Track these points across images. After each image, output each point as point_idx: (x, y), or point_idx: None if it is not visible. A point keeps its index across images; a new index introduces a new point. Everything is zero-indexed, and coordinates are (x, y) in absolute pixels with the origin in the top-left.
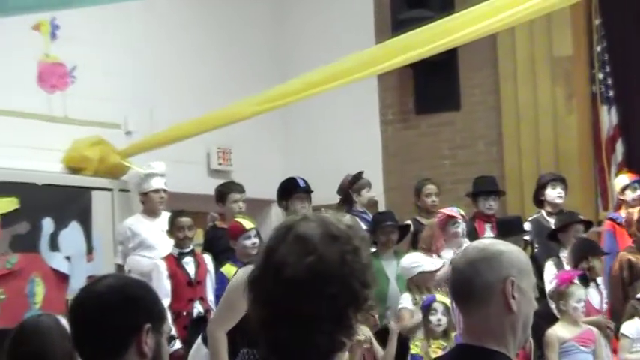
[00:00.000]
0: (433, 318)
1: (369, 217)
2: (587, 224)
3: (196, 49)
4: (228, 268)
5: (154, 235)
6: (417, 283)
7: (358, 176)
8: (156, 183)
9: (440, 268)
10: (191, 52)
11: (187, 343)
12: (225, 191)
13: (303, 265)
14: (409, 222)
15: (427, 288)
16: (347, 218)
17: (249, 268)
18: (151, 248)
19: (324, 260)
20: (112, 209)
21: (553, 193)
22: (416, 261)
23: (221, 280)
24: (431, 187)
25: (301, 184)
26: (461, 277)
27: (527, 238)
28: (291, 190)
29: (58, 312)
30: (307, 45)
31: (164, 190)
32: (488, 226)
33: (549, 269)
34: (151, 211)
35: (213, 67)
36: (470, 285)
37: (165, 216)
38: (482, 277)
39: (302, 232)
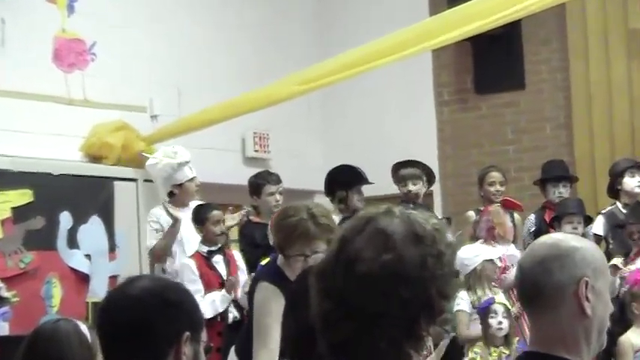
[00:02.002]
0: (493, 321)
1: None
2: None
3: (229, 25)
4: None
5: (186, 230)
6: (480, 276)
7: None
8: (188, 171)
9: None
10: (224, 28)
11: (222, 352)
12: (259, 183)
13: (378, 263)
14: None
15: (489, 284)
16: (436, 220)
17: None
18: (180, 243)
19: (402, 260)
20: (137, 202)
21: (632, 182)
22: (474, 251)
23: None
24: (495, 175)
25: (363, 174)
26: (528, 278)
27: (599, 233)
28: (352, 181)
29: (77, 317)
30: (351, 18)
31: (196, 178)
32: None
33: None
34: (181, 203)
35: (248, 44)
36: (539, 286)
37: (193, 205)
38: (552, 277)
39: (383, 226)
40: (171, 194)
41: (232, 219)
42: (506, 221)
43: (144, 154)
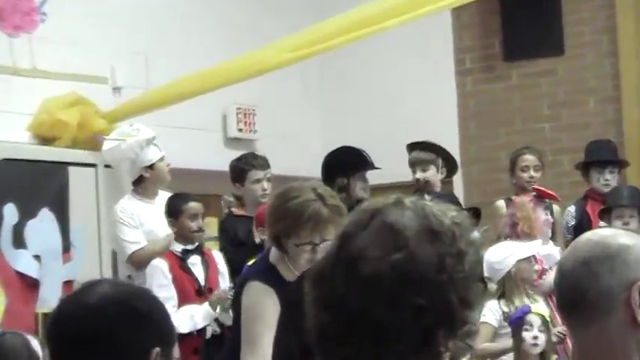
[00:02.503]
0: (527, 335)
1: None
2: None
3: None
4: None
5: (157, 224)
6: (516, 280)
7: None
8: (157, 150)
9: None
10: None
11: None
12: (242, 168)
13: (387, 263)
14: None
15: (527, 288)
16: (455, 212)
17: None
18: (150, 240)
19: (416, 260)
20: (96, 192)
21: None
22: (506, 251)
23: None
24: (529, 158)
25: (369, 158)
26: (571, 282)
27: None
28: (355, 166)
29: (25, 330)
30: None
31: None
32: None
33: None
34: (152, 190)
35: (231, 2)
36: (583, 292)
37: (162, 197)
38: (600, 281)
39: (392, 220)
40: (138, 180)
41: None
42: (534, 215)
43: (101, 136)
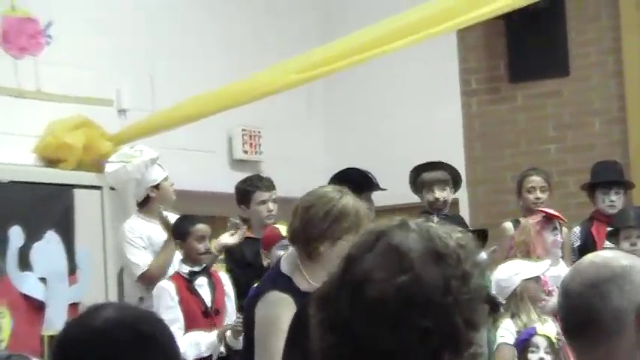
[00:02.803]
0: (533, 357)
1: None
2: None
3: (214, 0)
4: None
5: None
6: (523, 298)
7: (429, 166)
8: (162, 170)
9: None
10: (207, 4)
11: None
12: (248, 189)
13: (392, 286)
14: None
15: (536, 307)
16: (460, 234)
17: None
18: None
19: (421, 283)
20: (102, 214)
21: None
22: (512, 269)
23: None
24: (535, 179)
25: (373, 179)
26: (579, 304)
27: None
28: (360, 187)
29: (30, 352)
30: None
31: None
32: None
33: None
34: (155, 211)
35: (236, 24)
36: (593, 313)
37: (169, 218)
38: (611, 302)
39: (397, 242)
40: (144, 201)
41: (231, 237)
42: (535, 238)
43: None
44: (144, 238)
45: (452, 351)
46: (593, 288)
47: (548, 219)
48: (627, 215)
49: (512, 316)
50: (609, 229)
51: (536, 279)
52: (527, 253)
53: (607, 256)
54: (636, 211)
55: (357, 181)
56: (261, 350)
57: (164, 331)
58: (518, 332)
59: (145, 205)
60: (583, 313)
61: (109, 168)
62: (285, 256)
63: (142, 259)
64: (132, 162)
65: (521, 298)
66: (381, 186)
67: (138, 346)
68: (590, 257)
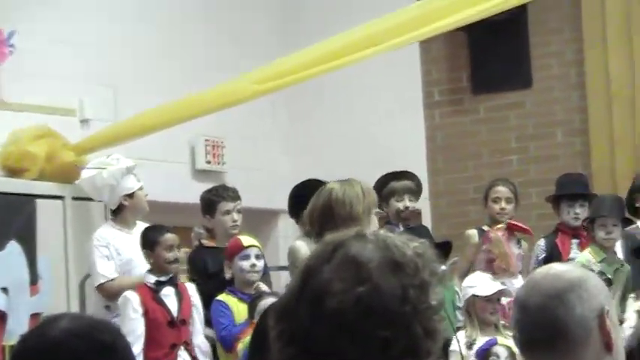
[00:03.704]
0: None
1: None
2: None
3: (175, 11)
4: (226, 297)
5: (135, 254)
6: (470, 313)
7: (396, 176)
8: (137, 179)
9: (494, 294)
10: (169, 15)
11: None
12: (213, 199)
13: (351, 296)
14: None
15: (482, 324)
16: (417, 243)
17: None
18: (134, 272)
19: (379, 293)
20: (64, 224)
21: None
22: (470, 281)
23: (218, 313)
24: (501, 190)
25: None
26: (541, 317)
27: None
28: None
29: None
30: (324, 3)
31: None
32: (575, 243)
33: (632, 306)
34: (131, 220)
35: (198, 34)
36: (558, 325)
37: (140, 227)
38: (574, 312)
39: (355, 253)
40: (117, 210)
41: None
42: (510, 251)
43: (81, 166)
44: (110, 247)
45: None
46: (554, 299)
47: (512, 232)
48: (602, 204)
49: (467, 327)
50: (588, 216)
51: (488, 298)
52: (509, 266)
53: (560, 268)
54: (611, 199)
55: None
56: None
57: (121, 341)
58: (467, 344)
59: (118, 213)
60: (548, 325)
61: (85, 174)
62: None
63: (104, 269)
64: (108, 169)
65: (468, 312)
66: None
67: (95, 355)
68: (543, 271)
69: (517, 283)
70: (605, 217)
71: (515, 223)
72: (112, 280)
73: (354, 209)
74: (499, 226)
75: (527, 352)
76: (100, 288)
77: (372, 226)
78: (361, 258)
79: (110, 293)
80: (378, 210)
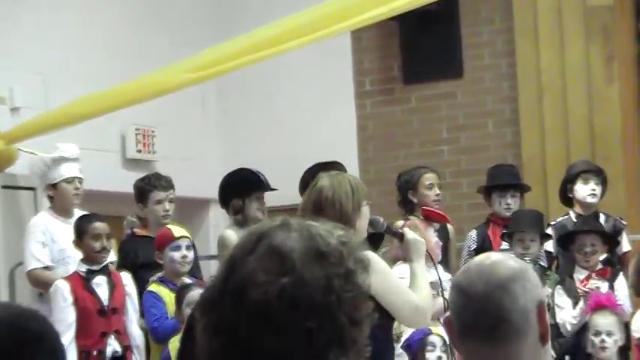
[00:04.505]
0: (431, 356)
1: None
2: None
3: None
4: (158, 288)
5: (69, 243)
6: None
7: (326, 166)
8: (68, 170)
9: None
10: (99, 2)
11: None
12: (145, 188)
13: (274, 287)
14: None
15: None
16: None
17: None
18: (68, 263)
19: (303, 283)
20: None
21: (583, 190)
22: (399, 273)
23: (150, 304)
24: (432, 176)
25: (263, 179)
26: (486, 304)
27: (550, 249)
28: (250, 187)
29: None
30: None
31: (79, 180)
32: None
33: (561, 299)
34: (62, 209)
35: (127, 22)
36: (502, 314)
37: (77, 215)
38: (517, 302)
39: (278, 243)
40: (50, 198)
41: None
42: (429, 237)
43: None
44: (46, 234)
45: (337, 350)
46: (499, 288)
47: (428, 220)
48: (521, 218)
49: None
50: (504, 231)
51: None
52: (431, 252)
53: (501, 257)
54: (530, 215)
55: (247, 180)
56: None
57: (48, 329)
58: (395, 335)
59: (52, 202)
60: (491, 313)
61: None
62: None
63: (39, 254)
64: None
65: None
66: (274, 186)
67: (22, 344)
68: (480, 260)
69: (434, 274)
70: (523, 232)
71: (432, 209)
72: (45, 267)
73: (343, 208)
74: (414, 215)
75: (465, 338)
76: (31, 273)
77: (363, 218)
78: (285, 248)
79: (40, 281)
80: (368, 201)
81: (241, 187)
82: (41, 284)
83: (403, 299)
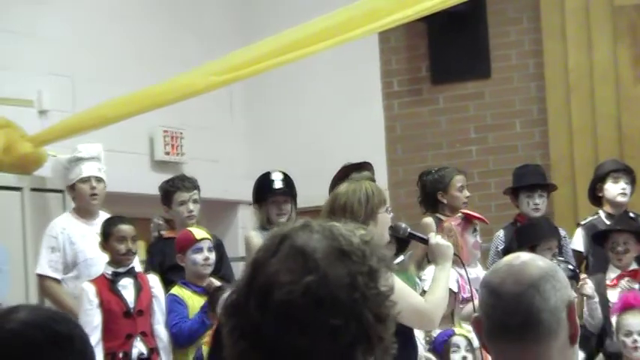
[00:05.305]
0: (456, 357)
1: None
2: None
3: (134, 3)
4: (180, 290)
5: (89, 245)
6: None
7: (357, 167)
8: (84, 169)
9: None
10: (127, 6)
11: None
12: (169, 190)
13: (299, 287)
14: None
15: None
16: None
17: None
18: (90, 265)
19: (327, 282)
20: (22, 215)
21: (614, 188)
22: (426, 275)
23: (170, 307)
24: (462, 178)
25: (277, 183)
26: (518, 304)
27: (579, 248)
28: (264, 192)
29: None
30: None
31: (98, 179)
32: None
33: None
34: (83, 210)
35: (157, 25)
36: (534, 314)
37: (102, 218)
38: (549, 302)
39: (301, 243)
40: (74, 199)
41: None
42: (464, 241)
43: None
44: (60, 237)
45: (364, 346)
46: (531, 288)
47: (468, 220)
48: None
49: None
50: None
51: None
52: (460, 255)
53: (531, 257)
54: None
55: (263, 185)
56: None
57: (79, 331)
58: (425, 339)
59: (74, 202)
60: (523, 313)
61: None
62: None
63: (44, 259)
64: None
65: None
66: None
67: (52, 346)
68: (511, 258)
69: (476, 272)
70: (547, 240)
71: (471, 213)
72: (52, 279)
73: (354, 215)
74: (457, 215)
75: (495, 337)
76: (41, 281)
77: (380, 225)
78: (308, 248)
79: (46, 291)
80: (387, 208)
81: (257, 193)
82: (47, 295)
83: (403, 302)
